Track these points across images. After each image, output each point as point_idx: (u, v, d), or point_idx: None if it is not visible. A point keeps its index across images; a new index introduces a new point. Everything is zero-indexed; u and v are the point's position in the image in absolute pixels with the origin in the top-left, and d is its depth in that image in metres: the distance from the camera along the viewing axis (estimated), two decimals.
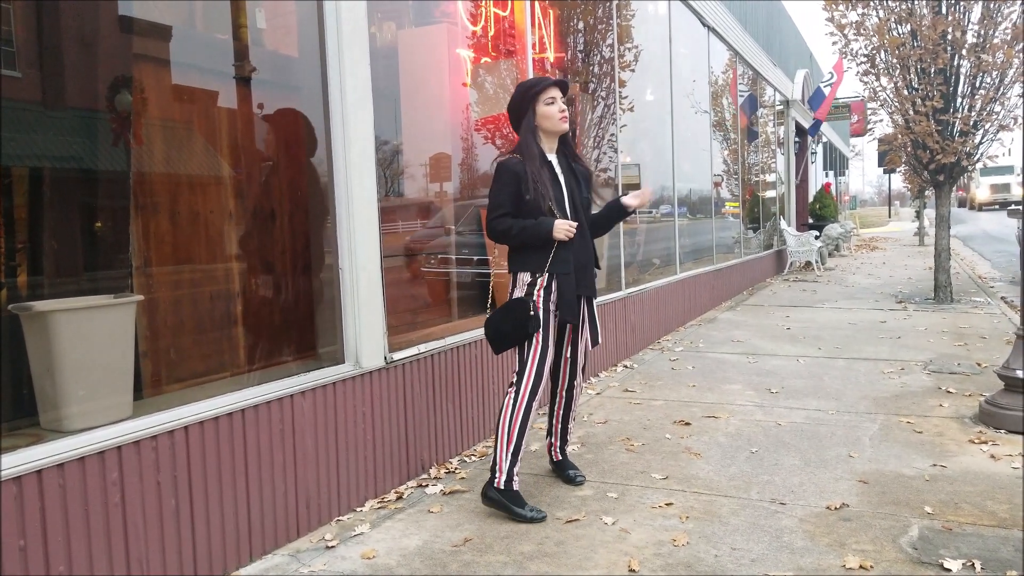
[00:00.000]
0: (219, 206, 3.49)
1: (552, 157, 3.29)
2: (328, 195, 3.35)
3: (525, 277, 3.19)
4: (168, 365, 3.25)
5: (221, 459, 2.74)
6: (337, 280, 3.35)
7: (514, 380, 3.21)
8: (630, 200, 3.38)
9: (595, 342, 3.44)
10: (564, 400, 3.51)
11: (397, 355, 3.55)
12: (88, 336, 2.69)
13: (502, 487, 3.14)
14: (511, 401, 3.18)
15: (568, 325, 3.34)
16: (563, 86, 3.27)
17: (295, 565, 2.81)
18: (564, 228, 3.13)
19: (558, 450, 3.61)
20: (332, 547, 2.95)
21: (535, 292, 3.17)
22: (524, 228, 3.14)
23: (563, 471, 3.58)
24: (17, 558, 2.14)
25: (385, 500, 3.40)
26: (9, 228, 3.27)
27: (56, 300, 2.86)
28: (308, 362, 3.43)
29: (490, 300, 3.58)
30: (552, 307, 3.20)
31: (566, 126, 3.27)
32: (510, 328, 3.16)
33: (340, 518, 3.22)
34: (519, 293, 3.20)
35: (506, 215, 3.16)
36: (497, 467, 3.16)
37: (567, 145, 3.36)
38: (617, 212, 3.44)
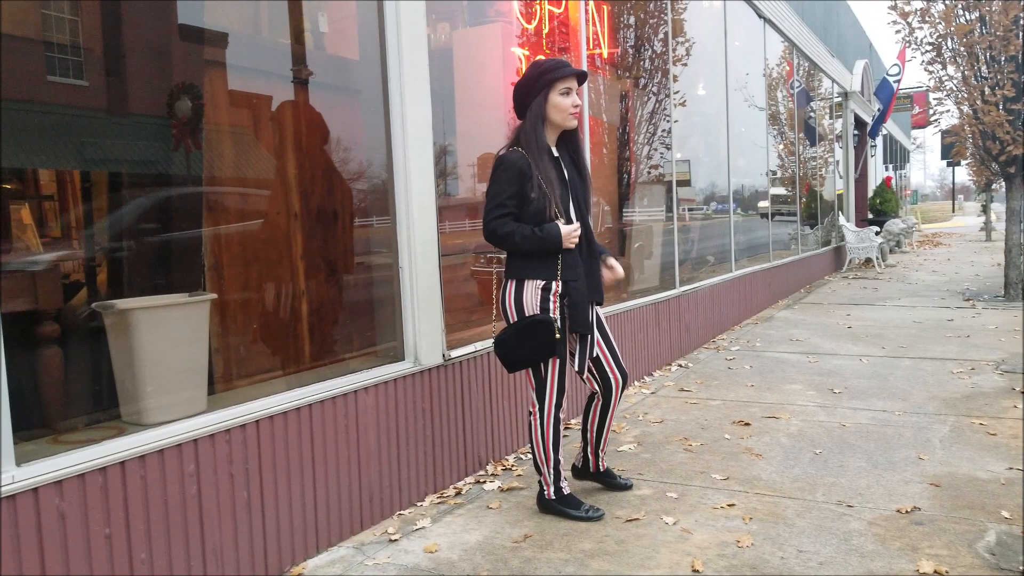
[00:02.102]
0: (284, 207, 3.59)
1: (554, 151, 3.05)
2: (388, 195, 3.41)
3: (536, 285, 2.95)
4: (238, 361, 3.36)
5: (289, 453, 2.82)
6: (396, 279, 3.41)
7: (535, 400, 3.08)
8: (607, 267, 3.24)
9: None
10: (600, 409, 3.25)
11: (454, 353, 3.60)
12: (166, 333, 2.80)
13: (553, 496, 3.17)
14: (537, 423, 3.09)
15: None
16: (582, 77, 3.05)
17: (360, 557, 2.88)
18: (572, 236, 2.92)
19: (601, 461, 3.40)
20: (395, 540, 3.00)
21: (551, 303, 2.94)
22: (526, 238, 2.89)
23: (612, 479, 3.43)
24: (103, 545, 2.24)
25: (444, 495, 3.45)
26: (88, 230, 3.43)
27: (136, 299, 2.98)
28: (369, 359, 3.50)
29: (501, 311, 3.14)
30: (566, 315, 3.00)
31: (575, 123, 3.03)
32: (530, 354, 2.96)
33: (402, 512, 3.28)
34: (530, 302, 2.95)
35: (508, 216, 2.91)
36: (543, 481, 3.18)
37: (572, 138, 3.10)
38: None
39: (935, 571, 2.57)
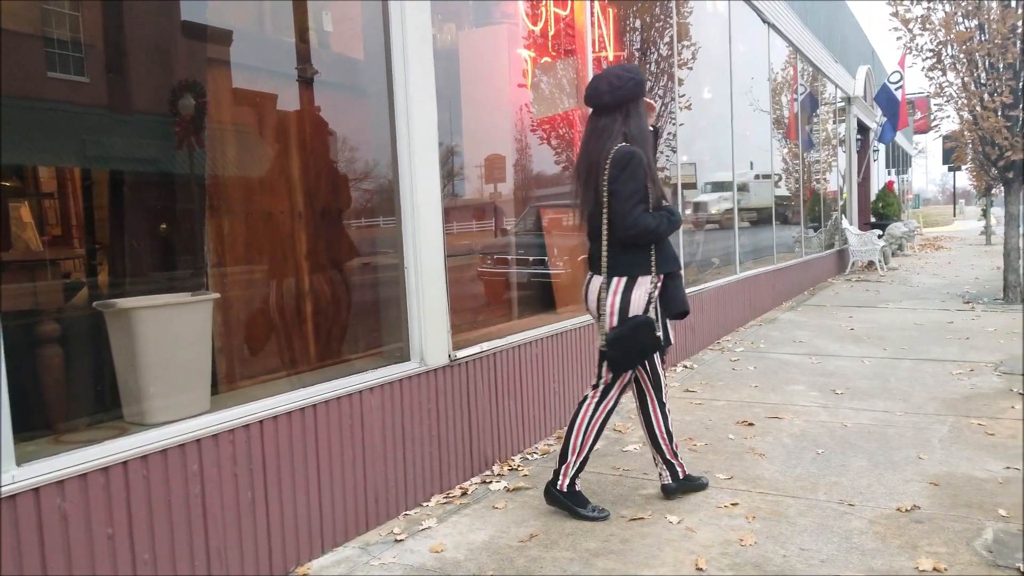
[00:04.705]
0: (288, 207, 3.59)
1: None
2: (393, 195, 3.41)
3: (645, 280, 2.99)
4: (241, 361, 3.35)
5: (294, 453, 2.82)
6: (402, 279, 3.41)
7: (599, 386, 3.11)
8: None
9: (668, 342, 3.21)
10: (657, 406, 3.23)
11: (460, 353, 3.60)
12: (169, 332, 2.79)
13: (565, 489, 3.15)
14: (592, 408, 3.11)
15: None
16: None
17: (366, 557, 2.88)
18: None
19: (683, 465, 3.32)
20: (401, 540, 3.00)
21: (652, 299, 3.01)
22: (664, 227, 2.97)
23: (696, 480, 3.37)
24: (106, 545, 2.24)
25: (450, 496, 3.45)
26: (89, 229, 3.43)
27: (138, 298, 2.98)
28: (374, 360, 3.50)
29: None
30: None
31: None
32: (639, 354, 3.01)
33: (407, 512, 3.28)
34: (638, 300, 2.98)
35: (645, 209, 2.94)
36: (563, 470, 3.15)
37: None
38: None
39: (934, 568, 2.58)
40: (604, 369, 3.11)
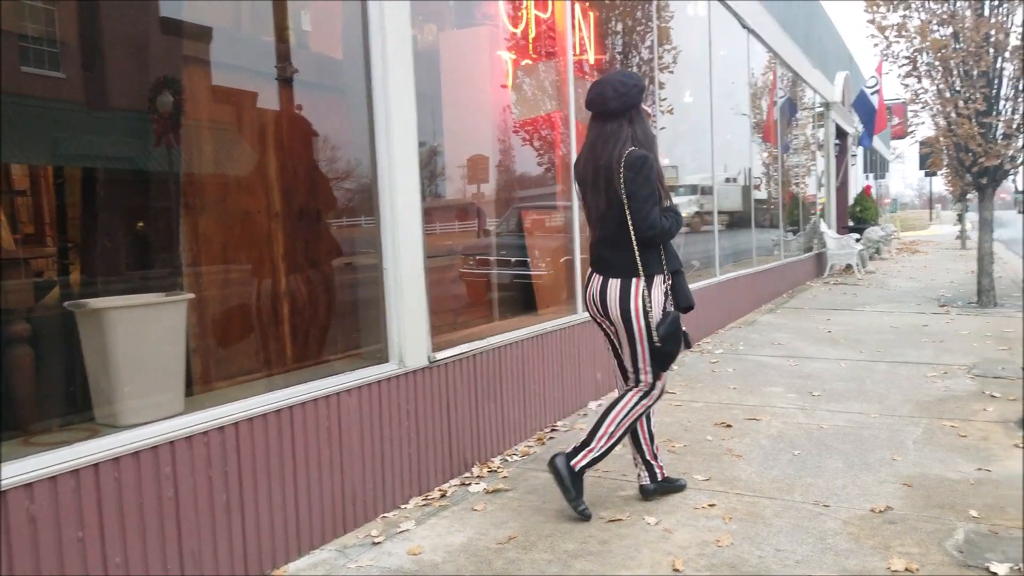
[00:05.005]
0: (265, 206, 3.56)
1: None
2: (372, 195, 3.39)
3: (659, 280, 3.07)
4: (217, 362, 3.32)
5: (270, 455, 2.80)
6: (381, 280, 3.40)
7: (649, 381, 3.14)
8: None
9: (688, 343, 3.30)
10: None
11: (440, 355, 3.58)
12: (141, 333, 2.76)
13: (576, 469, 3.10)
14: (637, 399, 3.13)
15: None
16: None
17: (343, 560, 2.85)
18: None
19: (662, 467, 3.37)
20: (378, 543, 2.98)
21: (668, 296, 3.10)
22: (673, 225, 3.09)
23: (674, 482, 3.41)
24: (76, 549, 2.21)
25: (429, 498, 3.43)
26: (61, 227, 3.37)
27: (110, 298, 2.94)
28: (353, 361, 3.48)
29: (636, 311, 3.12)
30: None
31: None
32: (678, 348, 3.10)
33: (385, 515, 3.26)
34: (658, 297, 3.06)
35: (660, 210, 3.05)
36: (585, 451, 3.09)
37: None
38: None
39: (906, 568, 2.61)
40: (642, 370, 3.13)
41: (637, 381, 3.17)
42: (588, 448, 3.10)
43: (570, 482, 3.10)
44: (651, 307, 3.04)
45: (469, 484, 3.59)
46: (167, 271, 3.37)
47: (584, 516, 3.11)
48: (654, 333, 3.04)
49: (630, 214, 3.01)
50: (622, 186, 3.01)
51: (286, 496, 2.85)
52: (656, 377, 3.15)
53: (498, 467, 3.84)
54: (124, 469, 2.34)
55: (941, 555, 2.70)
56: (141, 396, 2.69)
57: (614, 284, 3.08)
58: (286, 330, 3.51)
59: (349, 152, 3.87)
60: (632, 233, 3.02)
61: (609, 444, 3.11)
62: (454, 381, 3.69)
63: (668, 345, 3.06)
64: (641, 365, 3.13)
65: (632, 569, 2.69)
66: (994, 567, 2.58)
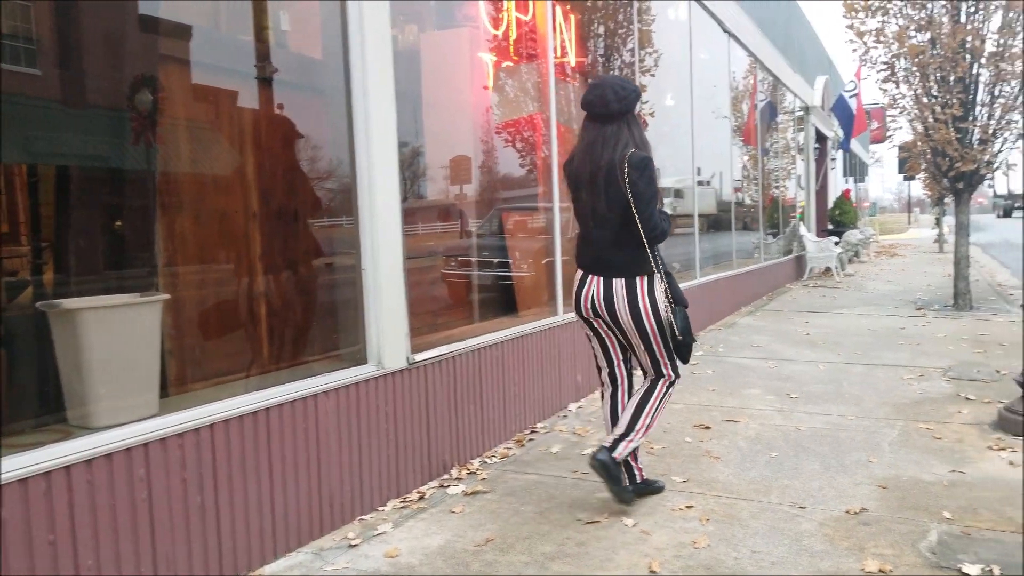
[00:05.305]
0: (243, 206, 3.54)
1: None
2: (351, 195, 3.38)
3: (657, 278, 3.12)
4: (193, 363, 3.29)
5: (246, 457, 2.77)
6: (359, 281, 3.38)
7: (669, 373, 3.21)
8: None
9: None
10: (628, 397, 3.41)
11: (419, 356, 3.57)
12: (115, 334, 2.73)
13: (620, 460, 3.13)
14: (665, 389, 3.20)
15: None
16: None
17: (319, 563, 2.84)
18: None
19: (641, 469, 3.41)
20: (355, 546, 2.97)
21: (667, 294, 3.13)
22: (668, 227, 3.17)
23: (653, 484, 3.44)
24: (47, 552, 2.18)
25: (407, 500, 3.42)
26: (35, 226, 3.32)
27: (84, 298, 2.90)
28: (331, 362, 3.46)
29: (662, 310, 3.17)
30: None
31: None
32: (693, 337, 3.16)
33: (363, 517, 3.24)
34: (661, 295, 3.10)
35: (657, 210, 3.13)
36: (624, 441, 3.11)
37: None
38: None
39: (880, 570, 2.63)
40: (662, 363, 3.18)
41: (658, 375, 3.22)
42: (627, 439, 3.14)
43: (616, 472, 3.13)
44: (660, 302, 3.09)
45: (448, 486, 3.58)
46: (143, 271, 3.33)
47: (628, 502, 3.18)
48: (675, 327, 3.09)
49: (637, 214, 3.05)
50: (627, 186, 3.03)
51: (262, 498, 2.83)
52: (676, 368, 3.23)
53: (477, 469, 3.84)
54: (97, 471, 2.31)
55: (915, 556, 2.74)
56: (115, 397, 2.65)
57: (619, 284, 3.10)
58: (263, 331, 3.49)
59: (328, 152, 3.85)
60: (641, 232, 3.05)
61: (646, 433, 3.18)
62: (433, 383, 3.68)
63: (688, 337, 3.12)
64: (660, 359, 3.18)
65: (609, 571, 2.69)
66: (966, 568, 2.61)
